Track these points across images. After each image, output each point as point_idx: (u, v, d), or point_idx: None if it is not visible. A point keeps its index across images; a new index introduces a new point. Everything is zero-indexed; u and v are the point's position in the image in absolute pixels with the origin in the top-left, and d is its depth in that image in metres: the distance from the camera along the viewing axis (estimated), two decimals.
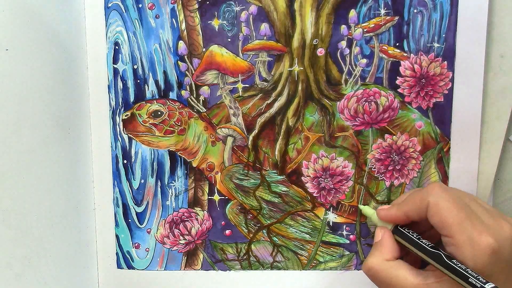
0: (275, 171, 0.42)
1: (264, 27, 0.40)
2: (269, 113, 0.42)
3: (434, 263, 0.34)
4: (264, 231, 0.43)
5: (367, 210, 0.40)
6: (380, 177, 0.42)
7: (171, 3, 0.40)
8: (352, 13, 0.40)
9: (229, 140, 0.42)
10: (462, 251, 0.32)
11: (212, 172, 0.43)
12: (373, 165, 0.42)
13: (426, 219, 0.34)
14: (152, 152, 0.43)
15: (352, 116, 0.41)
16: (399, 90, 0.40)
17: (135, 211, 0.43)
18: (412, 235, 0.36)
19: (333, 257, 0.43)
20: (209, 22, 0.41)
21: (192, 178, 0.43)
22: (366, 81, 0.41)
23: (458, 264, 0.32)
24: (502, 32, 0.39)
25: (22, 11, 0.36)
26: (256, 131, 0.42)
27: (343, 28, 0.40)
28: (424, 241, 0.35)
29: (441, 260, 0.33)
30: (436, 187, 0.34)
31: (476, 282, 0.30)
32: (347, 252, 0.43)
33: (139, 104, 0.42)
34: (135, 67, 0.42)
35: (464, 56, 0.39)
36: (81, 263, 0.42)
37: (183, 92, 0.42)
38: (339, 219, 0.43)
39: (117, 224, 0.44)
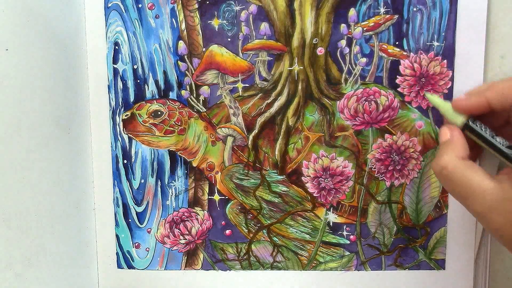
0: (275, 171, 0.42)
1: (264, 26, 0.40)
2: (269, 113, 0.42)
3: (511, 164, 0.31)
4: (264, 231, 0.43)
5: (435, 99, 0.36)
6: (381, 177, 0.42)
7: (171, 3, 0.41)
8: (352, 12, 0.40)
9: (229, 139, 0.42)
10: None
11: (212, 172, 0.43)
12: (373, 165, 0.42)
13: (501, 115, 0.32)
14: (152, 152, 0.43)
15: (352, 116, 0.41)
16: (399, 89, 0.40)
17: (135, 211, 0.43)
18: (486, 132, 0.32)
19: (334, 258, 0.43)
20: (209, 22, 0.41)
21: (192, 178, 0.43)
22: (366, 80, 0.41)
23: None
24: (502, 32, 0.39)
25: (22, 11, 0.36)
26: (256, 130, 0.42)
27: (343, 27, 0.40)
28: (498, 139, 0.32)
29: None
30: None
31: None
32: (347, 253, 0.43)
33: (139, 104, 0.42)
34: (135, 67, 0.42)
35: (464, 55, 0.39)
36: (81, 263, 0.42)
37: (183, 92, 0.42)
38: (339, 219, 0.43)
39: (117, 224, 0.44)
